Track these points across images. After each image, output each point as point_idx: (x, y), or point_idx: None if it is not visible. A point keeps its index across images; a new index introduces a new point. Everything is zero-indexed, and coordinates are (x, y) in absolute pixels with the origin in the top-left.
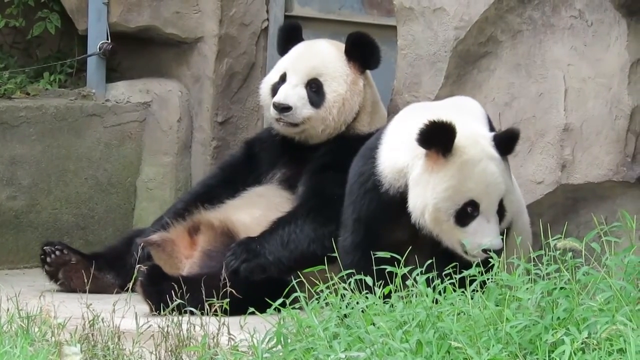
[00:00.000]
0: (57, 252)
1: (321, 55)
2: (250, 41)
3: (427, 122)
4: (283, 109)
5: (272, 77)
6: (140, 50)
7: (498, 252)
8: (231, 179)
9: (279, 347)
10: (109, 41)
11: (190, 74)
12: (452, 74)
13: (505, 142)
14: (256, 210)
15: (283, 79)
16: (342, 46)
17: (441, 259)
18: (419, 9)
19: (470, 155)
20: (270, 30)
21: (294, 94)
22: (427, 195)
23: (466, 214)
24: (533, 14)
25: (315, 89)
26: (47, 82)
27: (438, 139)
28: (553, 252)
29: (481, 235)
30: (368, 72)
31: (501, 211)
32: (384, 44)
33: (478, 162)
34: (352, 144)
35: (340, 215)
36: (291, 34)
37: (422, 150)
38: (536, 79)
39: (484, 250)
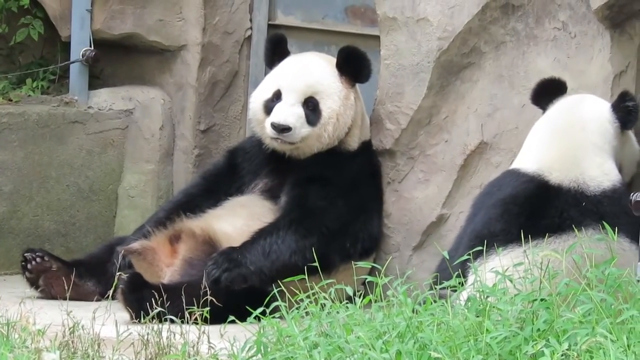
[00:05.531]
0: (38, 259)
1: (316, 73)
2: (233, 50)
3: None
4: (283, 129)
5: (263, 93)
6: (123, 58)
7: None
8: (213, 188)
9: (259, 356)
10: (92, 48)
11: (173, 81)
12: (435, 84)
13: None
14: (238, 219)
15: (277, 96)
16: (333, 60)
17: None
18: (402, 19)
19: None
20: (254, 39)
21: (292, 113)
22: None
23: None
24: (516, 26)
25: (312, 108)
26: (29, 89)
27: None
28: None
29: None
30: (357, 84)
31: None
32: (367, 54)
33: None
34: (341, 159)
35: (322, 228)
36: (277, 46)
37: None
38: (519, 91)
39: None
